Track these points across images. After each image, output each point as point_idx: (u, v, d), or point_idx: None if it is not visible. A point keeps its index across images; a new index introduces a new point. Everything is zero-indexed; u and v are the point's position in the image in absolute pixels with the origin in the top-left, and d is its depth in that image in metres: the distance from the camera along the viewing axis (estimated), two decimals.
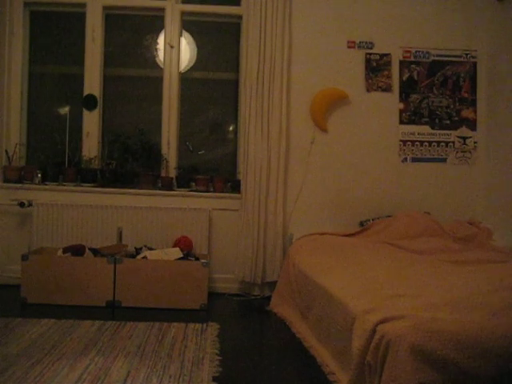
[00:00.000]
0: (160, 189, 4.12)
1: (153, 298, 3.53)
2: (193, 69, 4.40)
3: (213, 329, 3.10)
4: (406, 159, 4.20)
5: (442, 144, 4.21)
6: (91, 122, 4.21)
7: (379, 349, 1.82)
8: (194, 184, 4.18)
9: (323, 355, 2.57)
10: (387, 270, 2.71)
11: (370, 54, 4.15)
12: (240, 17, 4.23)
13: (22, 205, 3.92)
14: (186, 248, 3.88)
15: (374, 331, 1.90)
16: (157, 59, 4.36)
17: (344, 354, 2.26)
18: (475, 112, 4.22)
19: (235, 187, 4.16)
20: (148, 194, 4.07)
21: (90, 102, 4.19)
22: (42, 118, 4.34)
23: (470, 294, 2.10)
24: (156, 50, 4.36)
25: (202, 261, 3.65)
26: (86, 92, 4.20)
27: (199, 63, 4.40)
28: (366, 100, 4.16)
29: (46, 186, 4.05)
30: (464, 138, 4.22)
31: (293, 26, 4.09)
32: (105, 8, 4.21)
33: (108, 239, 3.94)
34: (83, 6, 4.18)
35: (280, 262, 3.96)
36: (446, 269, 2.74)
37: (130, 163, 4.15)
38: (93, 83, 4.21)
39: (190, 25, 4.35)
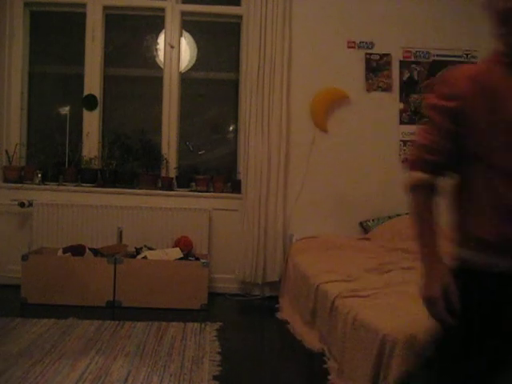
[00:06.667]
0: (160, 189, 4.11)
1: (153, 298, 3.53)
2: (193, 69, 4.39)
3: (213, 328, 3.09)
4: (406, 159, 4.19)
5: None
6: (91, 122, 4.20)
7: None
8: (194, 184, 4.17)
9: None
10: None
11: (370, 54, 4.14)
12: (240, 17, 4.22)
13: (22, 205, 3.91)
14: (186, 248, 3.88)
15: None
16: (157, 59, 4.36)
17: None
18: None
19: (235, 187, 4.15)
20: (148, 194, 4.07)
21: (90, 102, 4.18)
22: (42, 118, 4.34)
23: None
24: (156, 50, 4.36)
25: (202, 261, 3.64)
26: (86, 92, 4.19)
27: (199, 63, 4.40)
28: (365, 100, 4.15)
29: (46, 186, 4.04)
30: None
31: (293, 26, 4.08)
32: (105, 8, 4.21)
33: (108, 239, 3.92)
34: (83, 6, 4.17)
35: (280, 262, 3.95)
36: None
37: (130, 163, 4.15)
38: (93, 83, 4.20)
39: (190, 25, 4.35)
